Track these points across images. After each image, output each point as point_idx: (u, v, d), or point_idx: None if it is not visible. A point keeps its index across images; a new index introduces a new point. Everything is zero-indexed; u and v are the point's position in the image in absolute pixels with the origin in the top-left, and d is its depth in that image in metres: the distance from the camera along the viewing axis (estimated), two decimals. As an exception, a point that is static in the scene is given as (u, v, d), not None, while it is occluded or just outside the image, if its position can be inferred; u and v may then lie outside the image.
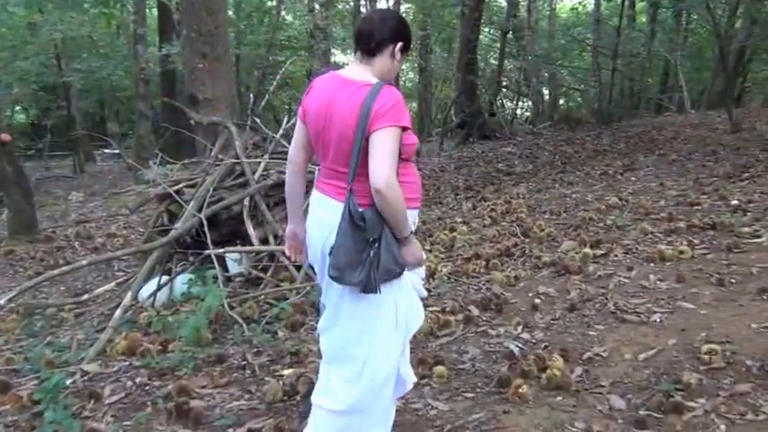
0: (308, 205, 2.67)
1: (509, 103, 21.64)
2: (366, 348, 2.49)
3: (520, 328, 4.03)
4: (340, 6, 21.34)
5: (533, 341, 3.83)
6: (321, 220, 2.55)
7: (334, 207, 2.47)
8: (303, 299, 4.79)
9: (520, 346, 3.75)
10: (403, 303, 2.55)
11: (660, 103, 20.22)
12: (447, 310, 4.42)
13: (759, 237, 5.17)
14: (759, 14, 12.76)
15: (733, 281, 4.32)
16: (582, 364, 3.44)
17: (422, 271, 2.73)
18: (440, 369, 3.46)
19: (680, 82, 18.33)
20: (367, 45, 2.51)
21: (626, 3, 18.10)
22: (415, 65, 23.99)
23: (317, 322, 4.34)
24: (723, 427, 2.64)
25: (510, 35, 18.65)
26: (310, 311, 4.69)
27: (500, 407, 3.07)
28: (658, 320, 3.85)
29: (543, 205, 8.00)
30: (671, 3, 17.05)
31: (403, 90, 26.39)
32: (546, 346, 3.70)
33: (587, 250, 5.36)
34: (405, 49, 2.57)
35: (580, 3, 21.92)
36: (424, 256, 2.64)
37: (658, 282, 4.50)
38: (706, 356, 3.20)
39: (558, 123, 17.76)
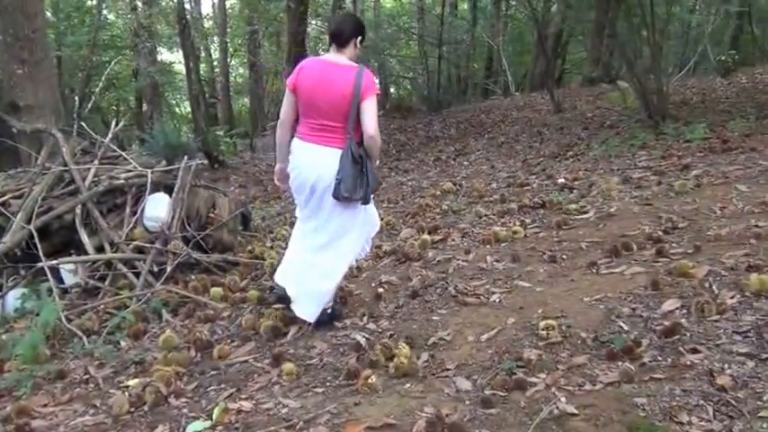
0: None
1: (341, 93, 21.75)
2: (348, 235, 3.96)
3: (365, 319, 4.06)
4: (164, 4, 20.61)
5: (379, 330, 3.87)
6: (318, 163, 3.79)
7: (329, 152, 3.76)
8: (144, 306, 4.69)
9: (366, 336, 3.77)
10: (370, 210, 4.07)
11: (486, 87, 21.24)
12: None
13: (585, 213, 5.53)
14: (572, -1, 13.71)
15: (564, 257, 4.57)
16: (427, 349, 3.50)
17: None
18: (288, 366, 3.44)
19: (503, 66, 19.36)
20: (339, 40, 3.82)
21: (446, -8, 18.82)
22: (245, 60, 23.63)
23: (159, 329, 4.33)
24: (563, 399, 2.76)
25: (337, 26, 18.76)
26: (152, 318, 4.58)
27: (351, 399, 3.07)
28: (497, 300, 3.99)
29: (381, 194, 8.12)
30: (491, -11, 17.94)
31: (234, 86, 25.95)
32: (392, 335, 3.74)
33: (426, 236, 5.50)
34: (362, 41, 3.91)
35: (402, -7, 22.55)
36: None
37: (495, 263, 4.68)
38: (544, 332, 3.35)
39: (391, 112, 18.18)
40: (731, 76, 13.33)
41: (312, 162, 3.82)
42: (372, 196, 4.05)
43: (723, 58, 13.09)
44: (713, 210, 4.93)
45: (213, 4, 23.88)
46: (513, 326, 3.59)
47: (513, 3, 20.88)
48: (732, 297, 3.39)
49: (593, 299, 3.73)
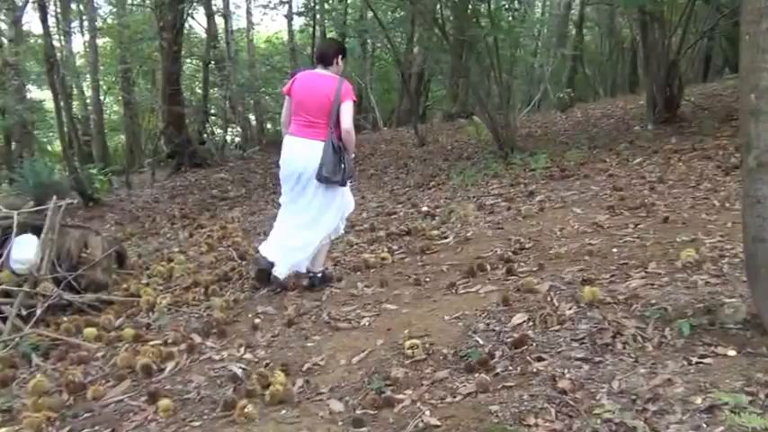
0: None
1: (219, 131, 21.49)
2: (326, 214, 4.79)
3: (243, 350, 3.98)
4: (32, 41, 19.53)
5: (256, 360, 3.81)
6: (305, 153, 4.60)
7: (316, 144, 4.55)
8: (12, 351, 4.31)
9: (243, 366, 3.71)
10: (347, 194, 4.95)
11: (357, 122, 21.50)
12: (169, 341, 4.23)
13: (446, 238, 5.72)
14: (430, 42, 14.19)
15: (427, 279, 4.71)
16: (302, 375, 3.49)
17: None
18: (164, 403, 3.28)
19: (372, 103, 19.72)
20: (324, 59, 4.70)
21: (316, 33, 19.09)
22: (119, 98, 22.80)
23: (29, 374, 4.04)
24: (428, 412, 2.84)
25: (212, 65, 18.59)
26: (22, 364, 4.21)
27: (228, 430, 3.00)
28: (367, 324, 4.06)
29: (258, 227, 8.04)
30: (356, 32, 18.29)
31: (108, 123, 24.90)
32: (268, 364, 3.70)
33: (301, 266, 5.49)
34: (343, 58, 4.78)
35: (274, 35, 22.60)
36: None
37: (365, 288, 4.76)
38: (409, 351, 3.43)
39: (267, 147, 18.02)
40: (568, 111, 14.25)
41: (300, 152, 4.62)
42: (349, 183, 4.92)
43: (561, 95, 13.96)
44: (554, 231, 5.25)
45: (84, 42, 22.93)
46: (381, 347, 3.66)
47: (379, 45, 21.39)
48: (570, 308, 3.61)
49: (452, 317, 3.86)
